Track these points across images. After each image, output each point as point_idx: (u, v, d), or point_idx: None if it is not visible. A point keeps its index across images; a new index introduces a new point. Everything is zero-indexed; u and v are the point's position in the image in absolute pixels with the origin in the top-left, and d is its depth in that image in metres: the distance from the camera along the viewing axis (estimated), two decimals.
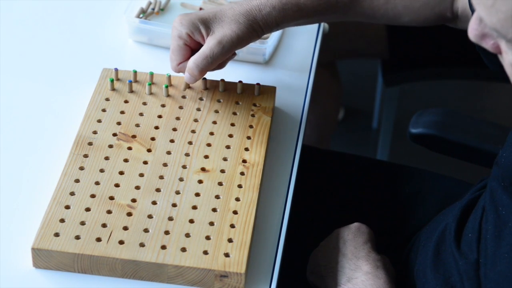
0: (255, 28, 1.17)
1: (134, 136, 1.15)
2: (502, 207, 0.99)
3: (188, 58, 1.19)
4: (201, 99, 1.21)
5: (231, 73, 1.26)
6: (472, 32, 0.80)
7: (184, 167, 1.11)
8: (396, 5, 1.18)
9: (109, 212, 1.05)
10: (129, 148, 1.13)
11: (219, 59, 1.17)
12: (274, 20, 1.17)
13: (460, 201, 1.17)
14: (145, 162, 1.12)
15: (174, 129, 1.17)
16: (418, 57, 1.91)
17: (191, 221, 1.05)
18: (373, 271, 1.08)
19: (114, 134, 1.15)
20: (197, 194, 1.08)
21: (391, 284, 1.08)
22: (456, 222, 1.10)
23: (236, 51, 1.21)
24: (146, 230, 1.03)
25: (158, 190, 1.08)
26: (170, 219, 1.05)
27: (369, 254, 1.11)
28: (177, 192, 1.08)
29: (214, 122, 1.18)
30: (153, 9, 1.37)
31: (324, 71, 1.94)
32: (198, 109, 1.20)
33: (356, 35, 1.89)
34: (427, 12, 1.18)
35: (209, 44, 1.16)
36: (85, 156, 1.12)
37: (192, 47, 1.18)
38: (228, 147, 1.15)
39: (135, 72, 1.23)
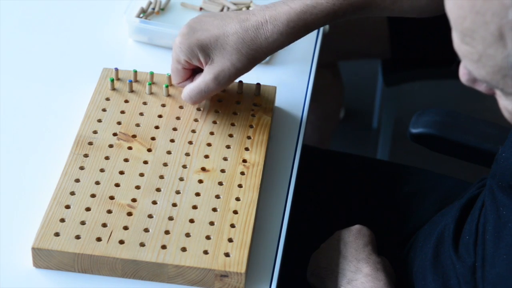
0: (257, 57, 1.13)
1: (134, 136, 1.15)
2: (503, 207, 0.98)
3: (187, 78, 1.18)
4: None
5: None
6: (463, 77, 0.80)
7: (184, 166, 1.11)
8: (403, 5, 1.17)
9: (109, 211, 1.05)
10: (129, 148, 1.13)
11: (214, 93, 1.15)
12: (281, 45, 1.13)
13: (459, 201, 1.16)
14: (145, 162, 1.12)
15: (174, 129, 1.17)
16: (419, 56, 1.91)
17: (191, 220, 1.05)
18: (373, 273, 1.08)
19: (114, 134, 1.15)
20: (197, 194, 1.08)
21: (391, 286, 1.08)
22: (454, 223, 1.10)
23: None
24: (146, 230, 1.03)
25: (158, 189, 1.08)
26: (170, 218, 1.05)
27: (370, 257, 1.10)
28: (177, 192, 1.08)
29: (214, 122, 1.18)
30: (153, 8, 1.37)
31: (326, 72, 1.94)
32: (198, 109, 1.20)
33: (358, 35, 1.88)
34: (433, 8, 1.17)
35: (205, 79, 1.13)
36: (85, 155, 1.12)
37: (192, 68, 1.17)
38: (228, 146, 1.15)
39: (135, 71, 1.23)
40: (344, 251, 1.12)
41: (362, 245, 1.12)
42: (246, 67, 1.13)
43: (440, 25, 1.78)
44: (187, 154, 1.13)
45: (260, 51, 1.12)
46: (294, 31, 1.13)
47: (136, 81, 1.23)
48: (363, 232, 1.14)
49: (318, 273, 1.13)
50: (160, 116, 1.18)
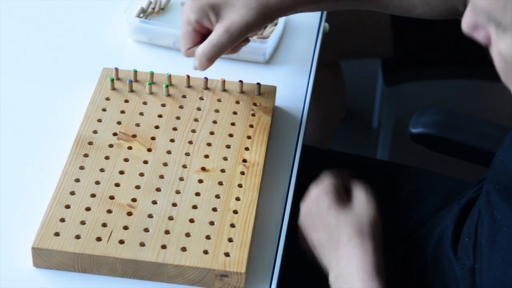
0: (267, 13, 1.14)
1: (134, 136, 1.15)
2: (498, 210, 0.98)
3: (198, 43, 1.17)
4: (201, 98, 1.21)
5: (231, 72, 1.26)
6: (466, 23, 0.81)
7: (184, 166, 1.11)
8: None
9: (109, 211, 1.05)
10: (129, 148, 1.14)
11: (227, 47, 1.15)
12: (288, 5, 1.15)
13: (458, 202, 1.16)
14: (145, 162, 1.12)
15: (175, 129, 1.17)
16: (421, 56, 1.91)
17: (191, 220, 1.05)
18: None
19: (115, 134, 1.15)
20: (197, 194, 1.08)
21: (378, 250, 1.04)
22: (453, 224, 1.10)
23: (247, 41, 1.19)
24: (146, 230, 1.03)
25: (158, 189, 1.08)
26: (170, 218, 1.05)
27: (338, 219, 1.05)
28: (177, 192, 1.08)
29: (215, 122, 1.18)
30: (154, 8, 1.37)
31: (329, 71, 1.94)
32: (199, 109, 1.20)
33: (361, 34, 1.89)
34: (441, 4, 1.17)
35: (217, 32, 1.14)
36: (85, 155, 1.12)
37: (202, 32, 1.17)
38: (228, 146, 1.15)
39: (135, 71, 1.23)
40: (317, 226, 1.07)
41: (325, 209, 1.06)
42: (256, 23, 1.14)
43: (442, 25, 1.78)
44: (187, 154, 1.13)
45: (269, 8, 1.14)
46: None
47: (136, 81, 1.23)
48: (318, 198, 1.07)
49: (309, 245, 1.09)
50: (160, 116, 1.18)
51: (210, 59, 1.15)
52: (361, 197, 1.07)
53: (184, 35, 1.17)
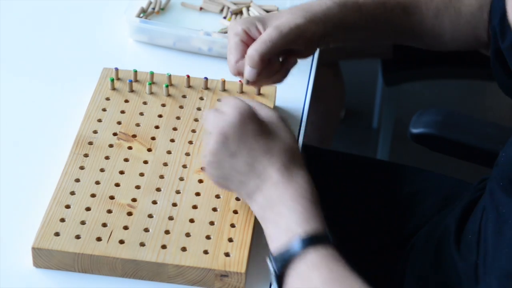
0: (314, 20, 1.12)
1: (134, 136, 1.15)
2: (502, 206, 0.99)
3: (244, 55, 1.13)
4: (201, 98, 1.21)
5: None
6: None
7: (184, 166, 1.11)
8: (444, 20, 1.16)
9: (109, 211, 1.05)
10: (130, 148, 1.14)
11: (279, 45, 1.10)
12: (334, 16, 1.13)
13: (460, 202, 1.17)
14: (146, 162, 1.12)
15: (175, 129, 1.17)
16: (420, 57, 1.91)
17: (192, 220, 1.05)
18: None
19: (115, 134, 1.15)
20: (198, 194, 1.08)
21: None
22: (456, 223, 1.10)
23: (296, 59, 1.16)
24: (146, 230, 1.03)
25: (158, 189, 1.08)
26: (171, 218, 1.05)
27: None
28: (178, 192, 1.08)
29: None
30: (154, 8, 1.37)
31: (328, 71, 1.94)
32: (199, 109, 1.20)
33: None
34: (469, 30, 1.17)
35: (267, 31, 1.11)
36: (86, 155, 1.12)
37: (249, 44, 1.12)
38: None
39: (135, 71, 1.23)
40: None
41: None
42: (305, 27, 1.11)
43: None
44: (187, 154, 1.13)
45: (316, 16, 1.12)
46: (347, 4, 1.14)
47: (136, 81, 1.23)
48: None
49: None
50: (160, 116, 1.18)
51: (262, 56, 1.10)
52: (282, 126, 1.04)
53: (231, 48, 1.13)
